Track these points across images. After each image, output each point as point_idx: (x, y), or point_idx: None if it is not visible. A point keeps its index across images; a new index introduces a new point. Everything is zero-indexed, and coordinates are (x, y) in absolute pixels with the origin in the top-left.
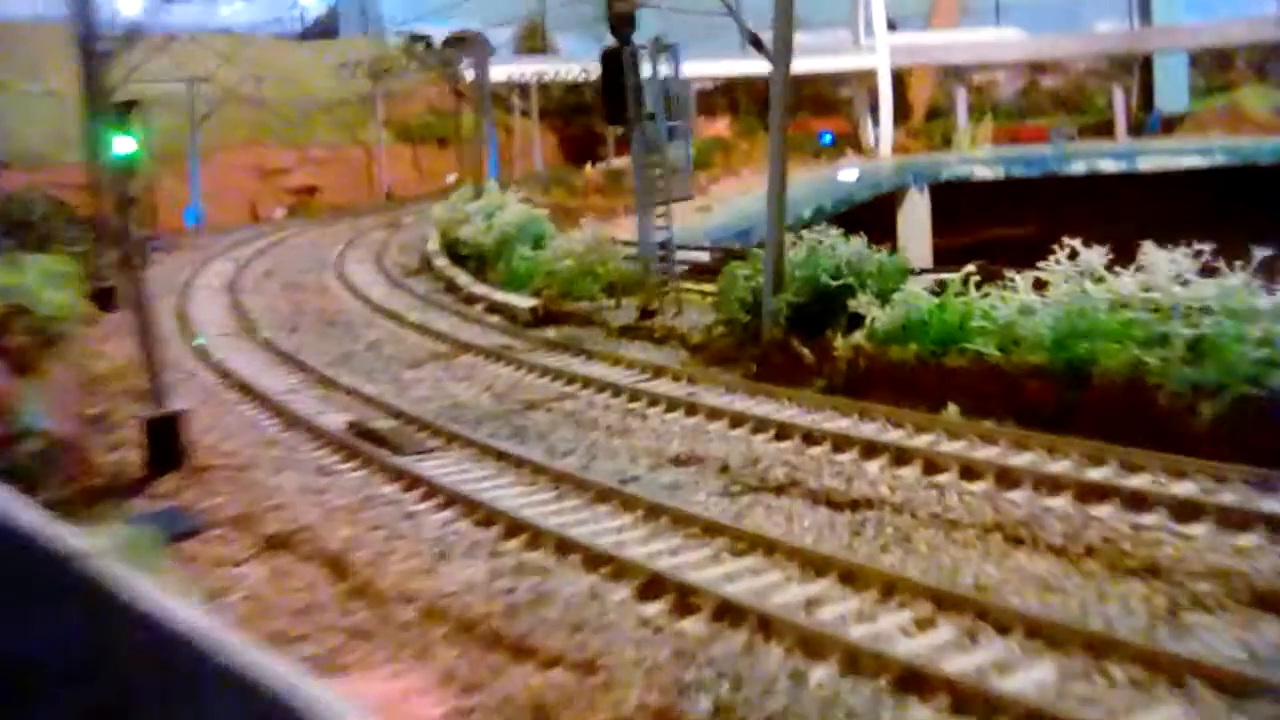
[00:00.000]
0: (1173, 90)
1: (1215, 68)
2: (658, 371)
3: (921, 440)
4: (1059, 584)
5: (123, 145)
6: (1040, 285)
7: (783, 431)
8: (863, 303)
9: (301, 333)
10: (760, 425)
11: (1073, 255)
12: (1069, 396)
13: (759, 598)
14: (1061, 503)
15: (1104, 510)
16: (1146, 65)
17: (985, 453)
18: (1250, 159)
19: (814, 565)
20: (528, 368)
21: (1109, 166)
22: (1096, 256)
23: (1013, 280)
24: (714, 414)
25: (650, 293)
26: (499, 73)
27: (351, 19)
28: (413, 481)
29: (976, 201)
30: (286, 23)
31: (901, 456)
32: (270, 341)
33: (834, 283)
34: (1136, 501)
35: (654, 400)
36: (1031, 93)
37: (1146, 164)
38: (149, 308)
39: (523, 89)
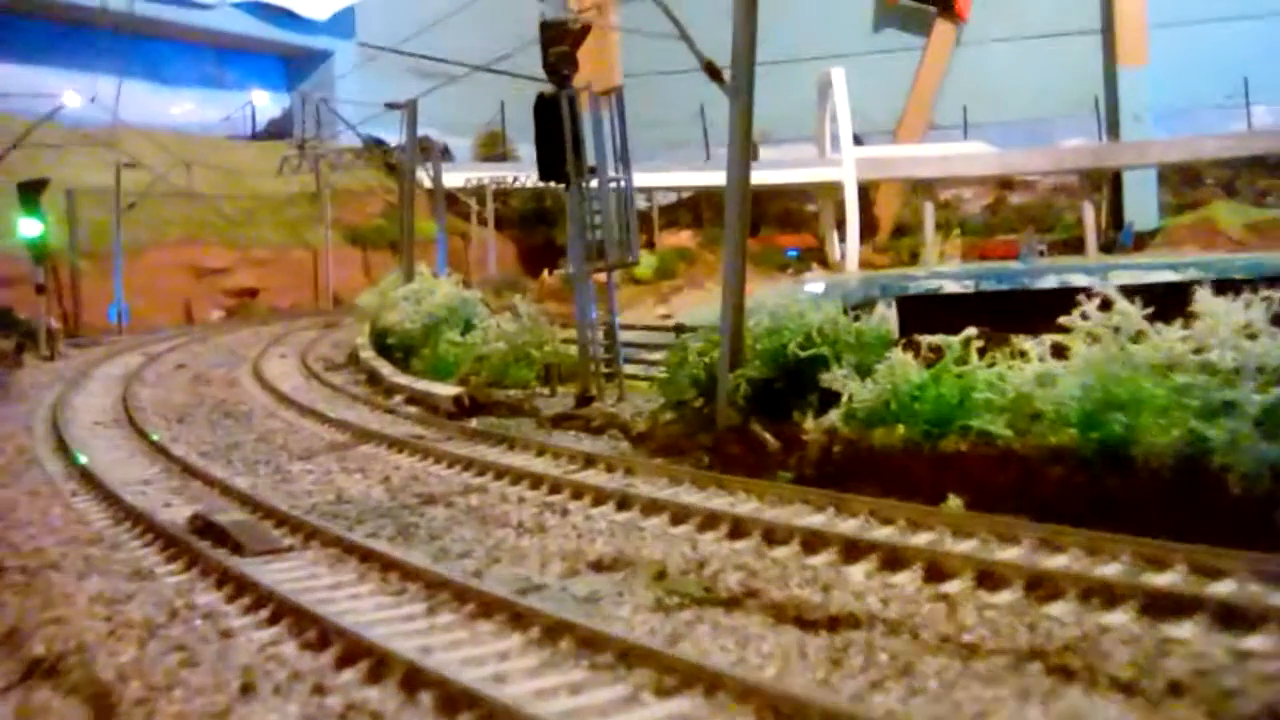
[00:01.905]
0: (1143, 206)
1: (1184, 184)
2: (588, 461)
3: (920, 539)
4: None
5: (29, 227)
6: (1060, 353)
7: (738, 528)
8: (838, 377)
9: (189, 424)
10: (709, 521)
11: (1105, 305)
12: (1105, 484)
13: None
14: (1123, 619)
15: (1184, 629)
16: (1116, 181)
17: (1007, 553)
18: (1223, 273)
19: (776, 709)
20: (434, 458)
21: (1081, 281)
22: (1135, 308)
23: (1023, 350)
24: (651, 508)
25: (588, 377)
26: (455, 178)
27: (308, 122)
28: (241, 589)
29: (945, 315)
30: (237, 122)
31: (895, 559)
32: (148, 432)
33: (803, 353)
34: (1228, 616)
35: (578, 492)
36: (999, 209)
37: (1119, 279)
38: None
39: (480, 196)
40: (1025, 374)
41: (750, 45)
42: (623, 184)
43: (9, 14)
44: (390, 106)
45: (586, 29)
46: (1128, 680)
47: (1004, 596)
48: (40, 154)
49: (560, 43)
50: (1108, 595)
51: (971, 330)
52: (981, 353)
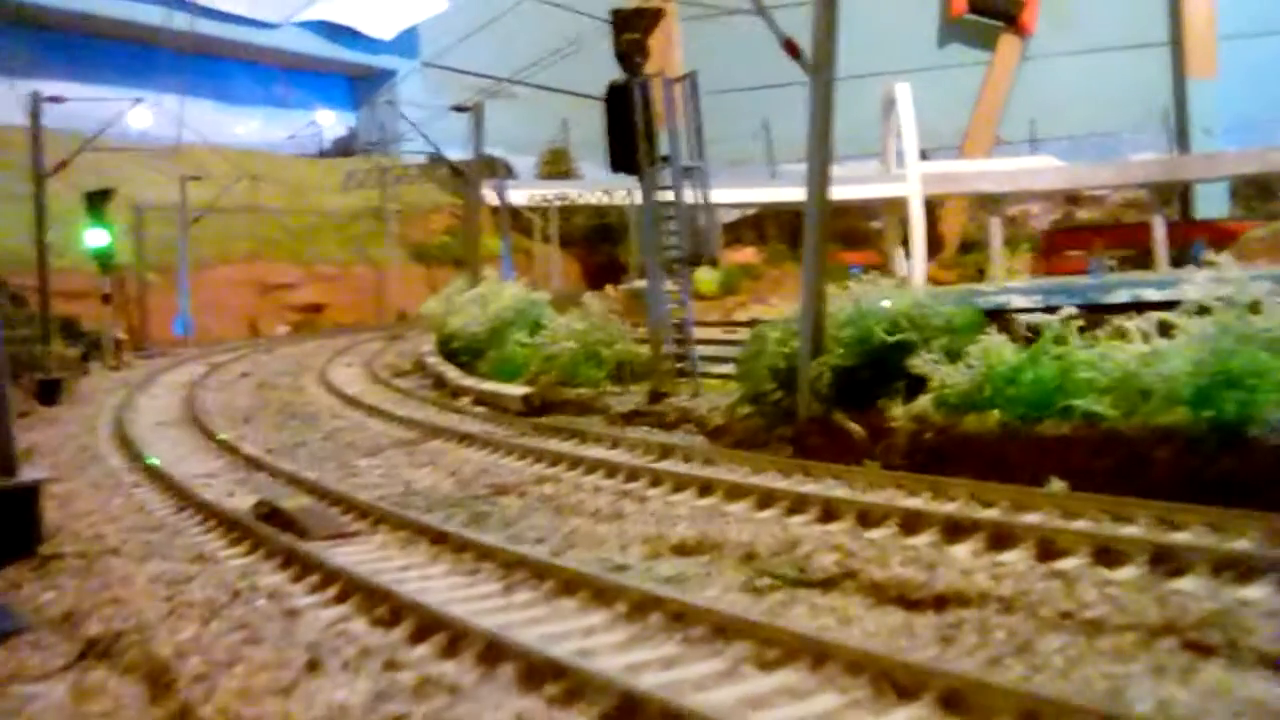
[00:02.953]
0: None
1: (1256, 197)
2: (665, 452)
3: (1028, 518)
4: None
5: (96, 238)
6: (1165, 331)
7: (830, 511)
8: (926, 362)
9: (255, 424)
10: (798, 504)
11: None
12: (1219, 464)
13: None
14: (1261, 593)
15: None
16: (1186, 195)
17: (1124, 530)
18: None
19: (895, 681)
20: (504, 450)
21: (1152, 295)
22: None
23: (1122, 329)
24: (735, 492)
25: (660, 373)
26: (519, 195)
27: (372, 140)
28: (307, 569)
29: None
30: (303, 141)
31: (1003, 537)
32: (212, 430)
33: (890, 339)
34: None
35: (657, 480)
36: (1068, 224)
37: (1192, 292)
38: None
39: (544, 213)
40: (1130, 351)
41: (831, 17)
42: (698, 174)
43: (78, 35)
44: (457, 109)
45: (659, 14)
46: (1277, 655)
47: (1126, 572)
48: (107, 170)
49: (632, 29)
50: (1242, 568)
51: (1070, 309)
52: (1080, 332)
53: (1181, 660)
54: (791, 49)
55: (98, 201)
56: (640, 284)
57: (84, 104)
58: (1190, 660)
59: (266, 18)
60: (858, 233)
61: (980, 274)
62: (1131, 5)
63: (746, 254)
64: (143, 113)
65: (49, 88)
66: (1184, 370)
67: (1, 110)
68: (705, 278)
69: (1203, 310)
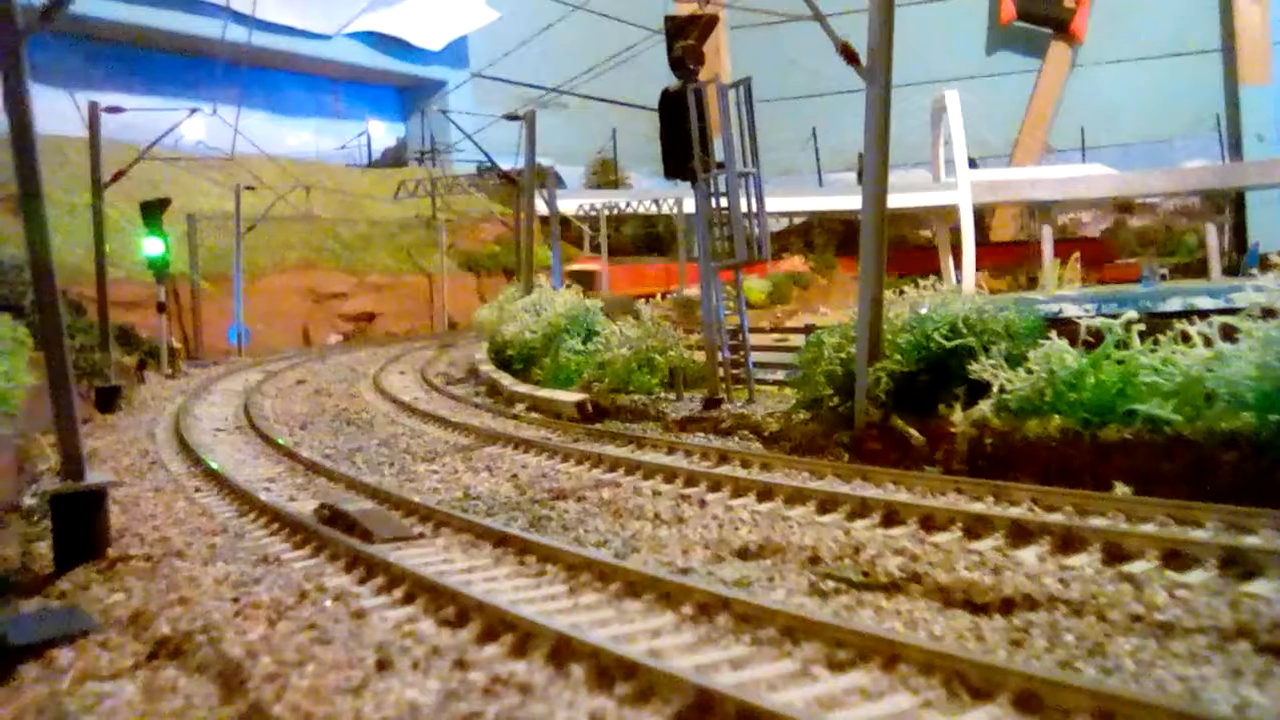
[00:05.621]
0: (1268, 227)
1: None
2: (723, 457)
3: (1094, 522)
4: None
5: (152, 247)
6: (1229, 334)
7: (893, 515)
8: (987, 367)
9: (311, 430)
10: (860, 509)
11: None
12: None
13: None
14: None
15: None
16: (1239, 202)
17: (1192, 534)
18: None
19: (968, 682)
20: (562, 456)
21: (1205, 303)
22: None
23: (1184, 333)
24: (796, 497)
25: (715, 379)
26: (569, 205)
27: (422, 150)
28: (372, 571)
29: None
30: (353, 151)
31: (1070, 541)
32: (269, 435)
33: (949, 343)
34: None
35: (716, 485)
36: (1119, 232)
37: (1244, 300)
38: (66, 364)
39: (593, 222)
40: (1193, 356)
41: (889, 24)
42: (751, 180)
43: (134, 47)
44: (509, 118)
45: (714, 20)
46: None
47: (1196, 575)
48: (162, 181)
49: (686, 35)
50: None
51: (1132, 314)
52: (1142, 337)
53: (1257, 663)
54: (849, 55)
55: (153, 211)
56: (689, 292)
57: (139, 115)
58: (1267, 663)
59: (318, 29)
60: (905, 243)
61: (1031, 282)
62: (1183, 11)
63: (795, 263)
64: (196, 123)
65: (105, 99)
66: (1249, 374)
67: (58, 121)
68: (754, 286)
69: (1268, 314)
